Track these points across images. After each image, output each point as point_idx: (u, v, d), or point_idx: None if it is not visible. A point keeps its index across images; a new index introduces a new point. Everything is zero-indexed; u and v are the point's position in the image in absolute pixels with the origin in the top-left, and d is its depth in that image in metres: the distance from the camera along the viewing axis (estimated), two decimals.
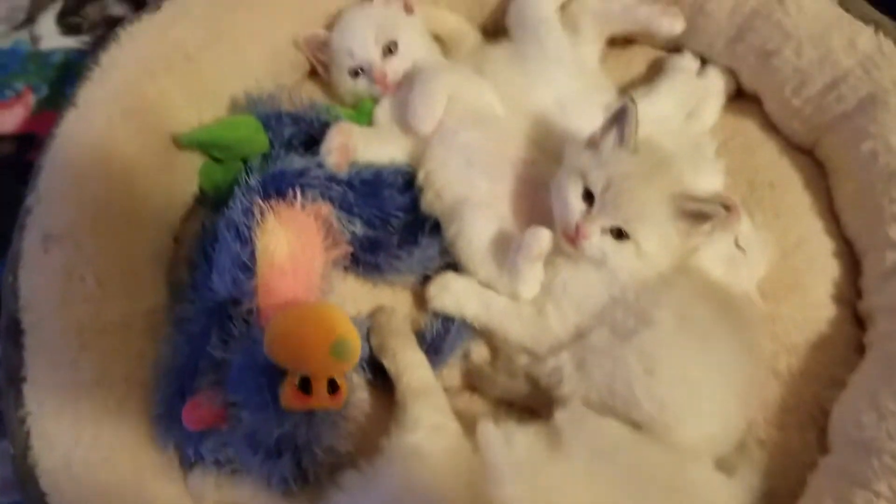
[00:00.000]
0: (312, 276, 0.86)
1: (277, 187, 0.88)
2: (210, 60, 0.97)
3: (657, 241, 0.82)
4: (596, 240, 0.82)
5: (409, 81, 1.02)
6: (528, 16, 1.04)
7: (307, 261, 0.86)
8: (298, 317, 0.77)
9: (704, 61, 1.09)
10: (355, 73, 1.04)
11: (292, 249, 0.85)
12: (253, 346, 0.77)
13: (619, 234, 0.82)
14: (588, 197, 0.84)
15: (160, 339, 0.85)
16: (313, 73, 1.13)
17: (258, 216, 0.84)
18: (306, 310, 0.78)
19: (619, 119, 0.84)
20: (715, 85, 1.07)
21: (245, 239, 0.84)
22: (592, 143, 0.87)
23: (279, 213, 0.86)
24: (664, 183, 0.83)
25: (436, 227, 0.97)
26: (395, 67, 1.03)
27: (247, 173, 0.89)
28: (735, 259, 0.91)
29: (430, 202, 0.98)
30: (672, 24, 1.04)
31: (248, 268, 0.83)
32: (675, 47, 1.12)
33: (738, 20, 1.01)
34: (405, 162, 1.01)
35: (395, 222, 0.97)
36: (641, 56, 1.13)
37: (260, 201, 0.84)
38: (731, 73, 1.08)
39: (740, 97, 1.09)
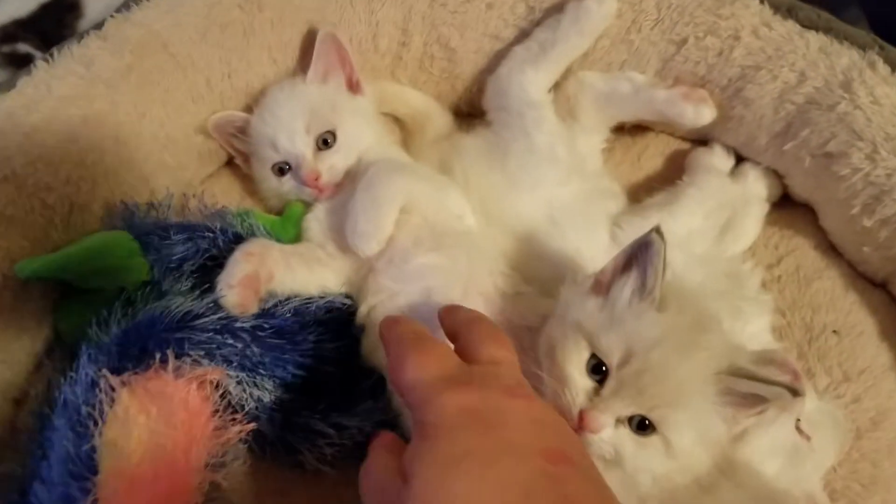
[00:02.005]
0: (185, 481, 0.59)
1: (143, 346, 0.61)
2: (76, 157, 0.71)
3: (694, 434, 0.57)
4: (608, 434, 0.57)
5: (351, 182, 0.77)
6: (511, 98, 0.80)
7: (178, 457, 0.59)
8: None
9: (740, 157, 0.84)
10: (280, 171, 0.79)
11: (155, 443, 0.58)
12: None
13: (642, 424, 0.57)
14: (596, 369, 0.59)
15: None
16: (233, 163, 0.87)
17: (106, 393, 0.58)
18: None
19: (640, 258, 0.59)
20: (755, 191, 0.82)
21: (84, 431, 0.57)
22: (599, 288, 0.61)
23: (139, 389, 0.59)
24: (706, 355, 0.57)
25: (379, 385, 0.71)
26: (332, 165, 0.79)
27: (97, 323, 0.62)
28: (797, 448, 0.65)
29: (372, 350, 0.73)
30: (698, 113, 0.80)
31: (84, 476, 0.56)
32: (700, 137, 0.87)
33: (788, 111, 0.77)
34: (341, 292, 0.75)
35: (321, 379, 0.70)
36: (657, 147, 0.89)
37: (108, 374, 0.58)
38: (776, 175, 0.83)
39: (787, 202, 0.85)
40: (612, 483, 0.58)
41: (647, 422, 0.57)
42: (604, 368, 0.58)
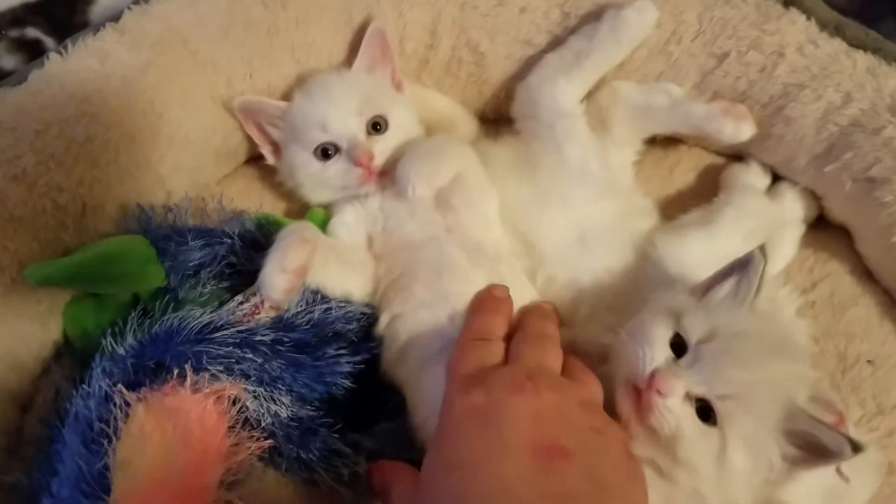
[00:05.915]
0: (199, 501, 0.57)
1: (159, 358, 0.59)
2: (90, 156, 0.69)
3: (748, 454, 0.55)
4: (675, 404, 0.55)
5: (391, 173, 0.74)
6: (541, 108, 0.77)
7: (192, 476, 0.57)
8: None
9: (776, 175, 0.82)
10: (325, 154, 0.76)
11: (169, 462, 0.56)
12: None
13: (707, 412, 0.56)
14: (677, 349, 0.59)
15: None
16: (253, 163, 0.84)
17: (121, 409, 0.55)
18: None
19: (740, 270, 0.61)
20: (793, 212, 0.79)
21: (97, 448, 0.55)
22: (698, 292, 0.63)
23: (155, 405, 0.57)
24: (785, 371, 0.58)
25: (397, 407, 0.69)
26: (384, 149, 0.75)
27: (111, 334, 0.59)
28: (834, 491, 0.63)
29: (392, 363, 0.70)
30: (738, 129, 0.77)
31: (97, 495, 0.54)
32: (736, 153, 0.84)
33: (830, 132, 0.74)
34: (363, 300, 0.73)
35: (339, 395, 0.68)
36: (690, 161, 0.86)
37: (123, 389, 0.55)
38: (813, 196, 0.80)
39: (822, 222, 0.82)
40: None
41: (710, 412, 0.55)
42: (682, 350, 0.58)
